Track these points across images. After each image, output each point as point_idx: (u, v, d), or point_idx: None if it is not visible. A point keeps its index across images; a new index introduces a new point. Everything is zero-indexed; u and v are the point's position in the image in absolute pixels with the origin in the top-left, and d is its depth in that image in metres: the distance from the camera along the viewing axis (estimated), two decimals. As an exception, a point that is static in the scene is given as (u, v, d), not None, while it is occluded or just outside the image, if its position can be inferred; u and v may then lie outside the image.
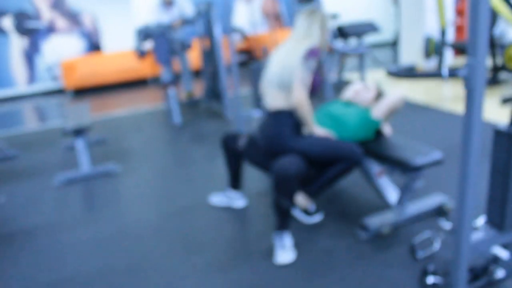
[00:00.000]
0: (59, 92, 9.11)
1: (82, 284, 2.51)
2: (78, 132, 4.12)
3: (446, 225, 2.40)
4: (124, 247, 2.87)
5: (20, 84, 9.01)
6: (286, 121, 2.69)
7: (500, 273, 2.15)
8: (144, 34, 5.70)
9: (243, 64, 8.00)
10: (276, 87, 2.68)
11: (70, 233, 3.13)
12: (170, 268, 2.57)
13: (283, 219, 2.55)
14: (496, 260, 2.12)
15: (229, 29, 4.22)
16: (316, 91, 2.72)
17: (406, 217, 2.72)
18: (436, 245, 2.42)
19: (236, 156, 3.07)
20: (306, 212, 2.92)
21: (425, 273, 2.20)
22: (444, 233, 2.46)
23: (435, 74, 1.62)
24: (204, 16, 5.89)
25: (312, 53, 2.62)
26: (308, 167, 2.68)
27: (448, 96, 5.59)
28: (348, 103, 3.04)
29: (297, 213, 2.94)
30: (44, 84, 9.16)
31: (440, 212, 2.80)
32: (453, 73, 1.50)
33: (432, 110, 5.11)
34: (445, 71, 1.55)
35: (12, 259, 2.86)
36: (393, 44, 9.26)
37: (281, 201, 2.49)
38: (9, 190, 4.05)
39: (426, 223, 2.73)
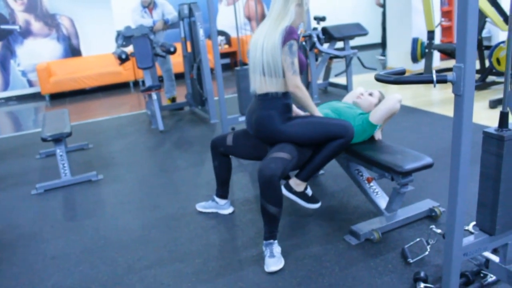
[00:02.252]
0: (35, 96, 8.92)
1: (65, 297, 2.43)
2: (58, 139, 4.02)
3: (437, 230, 2.38)
4: (108, 258, 2.78)
5: (-5, 89, 8.80)
6: (275, 104, 2.63)
7: (491, 277, 2.15)
8: (124, 37, 5.60)
9: (226, 68, 7.95)
10: (261, 73, 2.62)
11: (51, 244, 3.03)
12: (157, 279, 2.50)
13: (271, 226, 2.50)
14: (487, 264, 2.11)
15: (212, 32, 4.16)
16: (303, 69, 2.68)
17: (396, 223, 2.71)
18: (427, 251, 2.40)
19: (225, 161, 3.02)
20: (305, 197, 2.84)
21: (416, 280, 2.19)
22: (435, 238, 2.44)
23: (424, 80, 1.60)
24: (186, 19, 5.83)
25: (289, 34, 2.53)
26: (299, 155, 2.63)
27: (437, 100, 5.63)
28: (349, 105, 3.03)
29: (294, 198, 2.84)
30: (19, 89, 8.95)
31: (430, 217, 2.79)
32: (442, 78, 1.48)
33: (421, 113, 5.14)
34: (434, 77, 1.53)
35: (-9, 272, 2.75)
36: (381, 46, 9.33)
37: (268, 207, 2.45)
38: (-14, 199, 3.93)
39: (416, 228, 2.71)
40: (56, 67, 8.86)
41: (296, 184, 2.79)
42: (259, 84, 2.65)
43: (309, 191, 2.87)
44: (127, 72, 8.97)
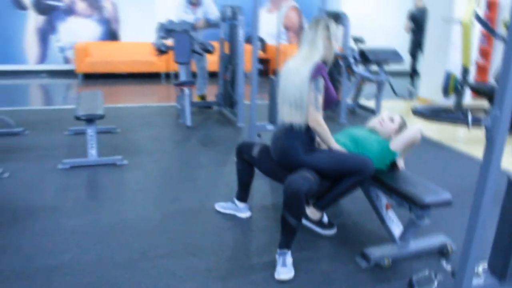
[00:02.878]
0: (68, 73, 9.14)
1: (80, 272, 2.53)
2: (90, 120, 4.15)
3: (447, 266, 2.44)
4: (124, 241, 2.89)
5: (31, 61, 9.03)
6: (299, 135, 2.74)
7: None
8: (166, 30, 5.74)
9: (259, 74, 8.05)
10: (289, 104, 2.73)
11: (72, 219, 3.15)
12: (170, 269, 2.59)
13: (289, 237, 2.58)
14: (493, 308, 2.16)
15: (254, 37, 4.26)
16: (330, 105, 2.78)
17: (407, 252, 2.76)
18: (434, 285, 2.45)
19: (249, 167, 3.11)
20: (320, 224, 2.99)
21: (421, 311, 2.24)
22: (443, 274, 2.49)
23: (460, 120, 1.66)
24: (228, 21, 5.95)
25: (317, 71, 2.64)
26: (320, 184, 2.72)
27: (462, 137, 5.65)
28: (371, 131, 3.10)
29: (311, 226, 3.01)
30: (54, 64, 9.18)
31: (441, 252, 2.84)
32: (477, 121, 1.54)
33: (445, 148, 5.16)
34: (469, 120, 1.60)
35: (15, 238, 2.87)
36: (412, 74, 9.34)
37: (289, 219, 2.53)
38: (13, 166, 4.07)
39: (426, 261, 2.76)
40: (93, 48, 9.07)
41: (313, 213, 2.97)
42: (287, 114, 2.76)
43: (325, 219, 3.03)
44: (161, 63, 9.14)
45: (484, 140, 1.78)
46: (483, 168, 1.76)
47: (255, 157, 3.03)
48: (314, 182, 2.61)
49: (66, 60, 9.23)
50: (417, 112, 2.00)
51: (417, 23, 8.76)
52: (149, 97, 7.49)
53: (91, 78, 8.94)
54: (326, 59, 2.78)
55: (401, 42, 10.01)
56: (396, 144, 2.87)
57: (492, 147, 1.74)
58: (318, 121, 2.69)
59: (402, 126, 3.10)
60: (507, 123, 1.72)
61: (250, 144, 3.11)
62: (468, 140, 5.52)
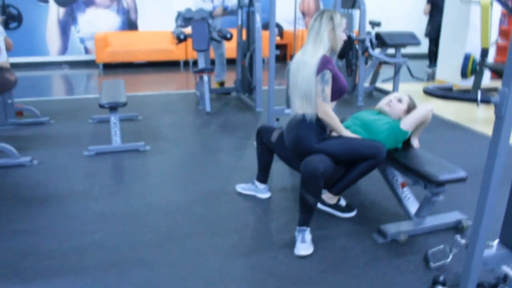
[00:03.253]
0: (89, 64, 9.33)
1: (110, 250, 2.68)
2: (114, 108, 4.30)
3: (461, 241, 2.52)
4: (150, 222, 3.03)
5: (53, 52, 9.24)
6: (311, 125, 2.83)
7: (507, 292, 2.28)
8: (184, 18, 5.84)
9: (276, 59, 8.13)
10: (300, 97, 2.82)
11: (100, 203, 3.31)
12: (195, 248, 2.72)
13: (307, 215, 2.69)
14: (505, 279, 2.24)
15: (271, 25, 4.34)
16: (340, 95, 2.86)
17: (423, 228, 2.85)
18: (449, 258, 2.54)
19: (268, 149, 3.22)
20: (339, 208, 3.09)
21: (435, 283, 2.33)
22: (458, 248, 2.58)
23: (470, 98, 1.71)
24: (245, 8, 6.02)
25: (323, 64, 2.72)
26: (335, 169, 2.82)
27: (479, 118, 5.66)
28: (380, 113, 3.17)
29: (329, 209, 3.11)
30: (75, 54, 9.38)
31: (457, 228, 2.92)
32: (485, 99, 1.60)
33: (461, 128, 5.21)
34: (479, 96, 1.65)
35: (47, 220, 3.04)
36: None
37: (307, 197, 2.64)
38: (42, 154, 4.25)
39: (441, 236, 2.85)
40: (112, 38, 9.23)
41: (329, 198, 3.08)
42: (298, 106, 2.85)
43: (343, 202, 3.12)
44: (179, 51, 9.26)
45: None
46: (492, 143, 1.83)
47: (273, 142, 3.14)
48: (330, 165, 2.71)
49: (87, 51, 9.42)
50: (428, 92, 2.07)
51: (437, 6, 8.69)
52: (169, 85, 7.62)
53: (111, 67, 9.12)
54: (334, 49, 2.85)
55: (417, 25, 9.96)
56: (406, 123, 2.93)
57: (501, 123, 1.81)
58: (327, 112, 2.78)
59: (411, 106, 3.15)
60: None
61: (269, 129, 3.21)
62: (485, 121, 5.53)
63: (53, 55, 9.26)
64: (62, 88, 7.77)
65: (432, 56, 9.16)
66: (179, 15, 5.93)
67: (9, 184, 3.62)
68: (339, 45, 2.86)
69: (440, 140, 4.72)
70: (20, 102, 5.83)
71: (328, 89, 2.75)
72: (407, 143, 3.10)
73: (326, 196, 3.09)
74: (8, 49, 4.96)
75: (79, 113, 5.69)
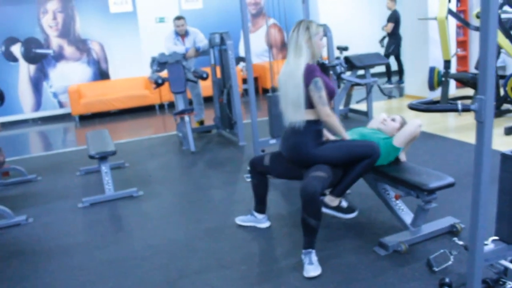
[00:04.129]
0: (64, 117, 9.38)
1: (127, 296, 2.74)
2: (104, 157, 4.37)
3: (459, 242, 2.67)
4: (159, 264, 3.09)
5: (27, 110, 9.26)
6: (307, 131, 2.95)
7: (509, 284, 2.42)
8: (159, 63, 6.00)
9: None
10: (291, 105, 2.96)
11: (105, 251, 3.35)
12: (207, 282, 2.80)
13: (311, 237, 2.81)
14: (506, 272, 2.40)
15: (247, 59, 4.53)
16: (331, 97, 3.01)
17: (420, 236, 3.00)
18: (451, 260, 2.69)
19: (263, 180, 3.34)
20: (340, 209, 3.17)
21: (442, 285, 2.47)
22: (457, 250, 2.73)
23: (451, 109, 1.88)
24: (217, 46, 6.23)
25: (311, 73, 2.89)
26: (333, 173, 2.95)
27: (452, 126, 5.94)
28: (374, 131, 3.36)
29: (332, 212, 3.17)
30: (50, 109, 9.42)
31: (452, 232, 3.08)
32: (466, 107, 1.76)
33: (437, 137, 5.49)
34: (459, 106, 1.82)
35: (55, 274, 3.07)
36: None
37: (309, 220, 2.76)
38: (36, 211, 4.27)
39: (439, 242, 3.00)
40: (86, 89, 9.32)
41: (331, 200, 3.14)
42: (292, 115, 2.99)
43: (344, 204, 3.19)
44: (154, 96, 9.39)
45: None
46: (478, 145, 2.00)
47: (268, 165, 3.26)
48: (327, 178, 2.84)
49: (61, 105, 9.47)
50: (412, 107, 2.23)
51: (397, 24, 9.11)
52: (148, 129, 7.72)
53: (87, 119, 9.17)
54: (314, 57, 3.00)
55: (375, 45, 10.35)
56: (399, 140, 3.13)
57: (482, 126, 1.99)
58: (328, 114, 2.92)
59: (403, 123, 3.36)
60: (491, 104, 1.98)
61: (260, 157, 3.35)
62: (457, 129, 5.81)
63: (27, 113, 9.28)
64: (42, 144, 7.78)
65: (401, 72, 9.51)
66: (154, 60, 6.08)
67: (9, 243, 3.63)
68: (318, 52, 3.01)
69: (419, 151, 4.93)
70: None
71: (324, 94, 2.89)
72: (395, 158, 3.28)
73: (328, 198, 3.13)
74: None
75: (65, 167, 5.72)
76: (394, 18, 9.18)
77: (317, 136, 3.00)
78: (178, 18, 6.39)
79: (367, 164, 2.97)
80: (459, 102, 2.12)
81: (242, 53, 10.28)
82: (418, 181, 2.86)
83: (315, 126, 2.98)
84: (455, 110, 2.10)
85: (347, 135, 3.12)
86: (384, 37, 9.60)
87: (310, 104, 2.92)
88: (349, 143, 3.01)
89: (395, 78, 9.78)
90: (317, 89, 2.88)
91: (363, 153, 2.95)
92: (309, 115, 2.94)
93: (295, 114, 2.96)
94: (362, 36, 11.08)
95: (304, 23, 2.95)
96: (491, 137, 2.00)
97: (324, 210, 3.13)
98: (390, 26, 9.20)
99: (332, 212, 3.17)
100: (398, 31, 9.18)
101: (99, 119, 9.03)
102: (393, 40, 9.29)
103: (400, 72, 9.55)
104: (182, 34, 6.43)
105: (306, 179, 2.83)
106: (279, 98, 3.10)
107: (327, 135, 3.19)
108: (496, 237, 2.36)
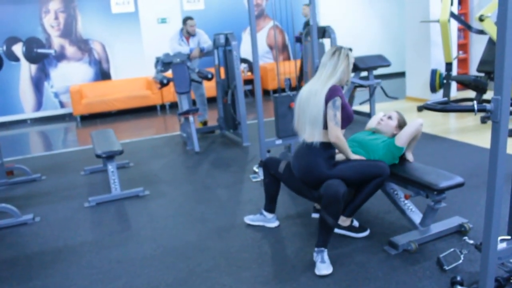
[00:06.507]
0: (65, 117, 9.39)
1: (139, 294, 2.75)
2: (110, 156, 4.39)
3: (470, 241, 2.70)
4: (169, 263, 3.11)
5: (28, 109, 9.26)
6: (321, 152, 2.99)
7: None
8: (164, 63, 6.02)
9: (251, 93, 8.38)
10: (310, 123, 3.00)
11: (114, 250, 3.36)
12: (219, 281, 2.81)
13: (326, 236, 2.83)
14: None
15: (255, 60, 4.54)
16: (348, 122, 3.05)
17: (430, 236, 3.02)
18: (461, 259, 2.71)
19: (275, 180, 3.36)
20: (353, 229, 3.23)
21: (453, 283, 2.49)
22: (468, 249, 2.76)
23: (467, 109, 1.89)
24: (221, 47, 6.26)
25: (333, 92, 2.92)
26: (347, 195, 2.98)
27: (454, 128, 5.98)
28: (373, 132, 3.38)
29: (345, 232, 3.24)
30: (51, 109, 9.42)
31: (460, 231, 3.11)
32: (481, 108, 1.78)
33: (440, 138, 5.54)
34: (475, 107, 1.84)
35: (65, 274, 3.08)
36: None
37: (327, 219, 2.78)
38: (42, 210, 4.27)
39: (448, 241, 3.03)
40: (87, 89, 9.33)
41: (343, 220, 3.22)
42: (308, 134, 3.03)
43: (356, 223, 3.27)
44: (155, 96, 9.41)
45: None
46: (493, 145, 2.03)
47: (281, 173, 3.29)
48: (346, 188, 2.87)
49: (62, 105, 9.47)
50: (428, 107, 2.25)
51: None
52: (150, 130, 7.73)
53: (89, 119, 9.18)
54: (341, 83, 3.06)
55: (383, 47, 10.42)
56: (400, 139, 3.15)
57: (498, 127, 2.02)
58: (338, 136, 2.94)
59: (401, 120, 3.40)
60: (507, 104, 2.00)
61: (276, 160, 3.36)
62: (459, 130, 5.85)
63: (28, 112, 9.27)
64: (44, 143, 7.77)
65: None
66: (158, 60, 6.10)
67: (17, 242, 3.64)
68: (346, 80, 3.08)
69: (424, 152, 4.96)
70: (7, 161, 5.83)
71: (339, 114, 2.92)
72: (402, 158, 3.30)
73: (340, 219, 3.21)
74: None
75: (69, 166, 5.73)
76: None
77: (330, 158, 3.04)
78: (191, 18, 6.44)
79: (377, 183, 3.03)
80: (475, 102, 2.14)
81: (243, 54, 10.31)
82: (428, 181, 2.89)
83: (329, 149, 3.02)
84: (471, 110, 2.12)
85: (355, 156, 3.15)
86: None
87: (326, 124, 2.95)
88: (360, 163, 3.04)
89: None
90: (334, 107, 2.91)
91: (374, 173, 3.00)
92: (325, 137, 2.97)
93: (311, 133, 2.99)
94: (364, 38, 11.14)
95: (345, 51, 3.02)
96: (507, 137, 2.02)
97: (336, 230, 3.22)
98: None
99: (344, 232, 3.25)
100: None
101: (101, 120, 9.04)
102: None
103: None
104: (188, 35, 6.46)
105: (329, 181, 2.87)
106: (294, 116, 3.15)
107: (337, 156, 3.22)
108: (508, 236, 2.39)
